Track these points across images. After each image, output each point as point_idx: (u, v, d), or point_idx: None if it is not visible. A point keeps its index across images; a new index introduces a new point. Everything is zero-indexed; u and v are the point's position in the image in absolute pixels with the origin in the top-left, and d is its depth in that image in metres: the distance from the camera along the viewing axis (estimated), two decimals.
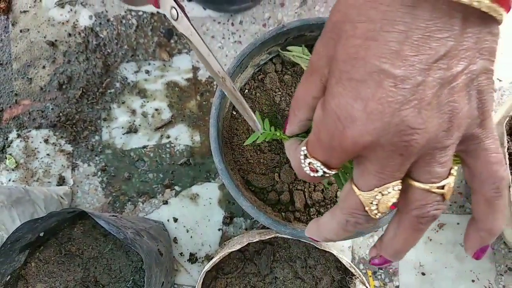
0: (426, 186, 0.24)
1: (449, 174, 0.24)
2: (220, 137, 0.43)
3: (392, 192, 0.24)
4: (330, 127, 0.24)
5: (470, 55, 0.22)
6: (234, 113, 0.48)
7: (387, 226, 0.28)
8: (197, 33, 0.34)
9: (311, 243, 0.50)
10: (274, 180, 0.46)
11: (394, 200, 0.24)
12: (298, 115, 0.30)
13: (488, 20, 0.22)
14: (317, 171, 0.26)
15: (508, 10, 0.23)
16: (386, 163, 0.23)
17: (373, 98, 0.22)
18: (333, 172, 0.26)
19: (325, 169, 0.26)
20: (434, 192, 0.24)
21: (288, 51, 0.45)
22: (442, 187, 0.24)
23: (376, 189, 0.24)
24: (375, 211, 0.25)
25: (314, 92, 0.27)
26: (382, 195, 0.24)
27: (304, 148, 0.27)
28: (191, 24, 0.34)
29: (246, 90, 0.48)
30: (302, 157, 0.27)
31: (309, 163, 0.26)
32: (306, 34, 0.45)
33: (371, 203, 0.25)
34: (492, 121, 0.25)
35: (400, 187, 0.24)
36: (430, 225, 0.26)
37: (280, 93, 0.47)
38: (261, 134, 0.38)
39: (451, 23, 0.21)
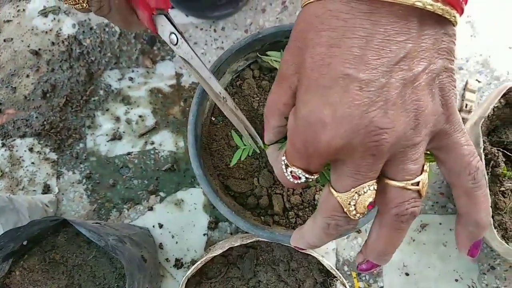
0: (402, 184, 0.25)
1: (423, 170, 0.25)
2: (198, 143, 0.44)
3: (368, 192, 0.25)
4: (303, 135, 0.24)
5: (429, 56, 0.23)
6: (213, 119, 0.48)
7: (369, 230, 0.29)
8: (197, 56, 0.35)
9: (291, 246, 0.50)
10: (253, 185, 0.47)
11: (371, 199, 0.25)
12: (271, 122, 0.31)
13: (443, 22, 0.23)
14: (299, 178, 0.27)
15: (461, 13, 0.24)
16: (360, 164, 0.24)
17: (341, 102, 0.23)
18: (315, 177, 0.27)
19: (307, 175, 0.27)
20: (409, 189, 0.25)
21: (267, 56, 0.46)
22: (417, 184, 0.25)
23: (352, 189, 0.25)
24: (354, 212, 0.26)
25: (284, 99, 0.28)
26: (359, 195, 0.25)
27: (284, 158, 0.27)
28: (191, 48, 0.35)
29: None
30: (283, 167, 0.28)
31: (291, 172, 0.27)
32: (282, 40, 0.45)
33: (349, 204, 0.25)
34: (458, 116, 0.25)
35: (375, 186, 0.25)
36: (411, 223, 0.26)
37: (258, 98, 0.48)
38: (243, 149, 0.38)
39: (408, 27, 0.22)
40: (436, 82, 0.24)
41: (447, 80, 0.24)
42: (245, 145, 0.39)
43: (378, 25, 0.22)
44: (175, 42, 0.35)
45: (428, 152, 0.27)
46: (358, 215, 0.26)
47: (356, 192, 0.25)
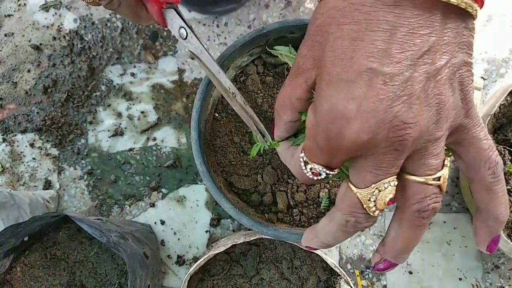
0: (423, 179, 0.25)
1: (443, 165, 0.25)
2: (201, 139, 0.43)
3: (389, 187, 0.25)
4: (325, 131, 0.24)
5: (450, 49, 0.23)
6: (216, 115, 0.48)
7: (388, 228, 0.28)
8: (207, 51, 0.34)
9: (296, 243, 0.50)
10: (257, 182, 0.46)
11: (391, 195, 0.25)
12: (283, 117, 0.31)
13: (465, 16, 0.23)
14: (319, 174, 0.27)
15: (481, 6, 0.24)
16: (382, 159, 0.24)
17: (365, 97, 0.22)
18: (336, 172, 0.27)
19: (328, 171, 0.26)
20: (431, 184, 0.25)
21: (275, 50, 0.45)
22: (438, 179, 0.25)
23: (373, 185, 0.25)
24: (373, 208, 0.25)
25: (298, 93, 0.28)
26: (379, 191, 0.25)
27: (302, 155, 0.27)
28: (201, 43, 0.34)
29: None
30: (302, 164, 0.27)
31: (311, 169, 0.27)
32: (287, 35, 0.45)
33: (369, 200, 0.25)
34: (476, 110, 0.25)
35: (396, 182, 0.25)
36: (431, 219, 0.26)
37: (262, 94, 0.47)
38: (268, 143, 0.38)
39: (432, 20, 0.22)
40: (457, 76, 0.24)
41: (466, 74, 0.24)
42: (267, 141, 0.39)
43: (402, 18, 0.22)
44: (184, 36, 0.34)
45: (446, 148, 0.27)
46: (377, 211, 0.26)
47: (376, 188, 0.25)
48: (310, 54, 0.26)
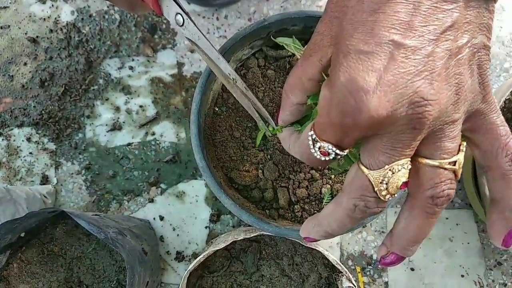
0: (437, 163, 0.24)
1: (459, 150, 0.24)
2: (201, 134, 0.42)
3: (402, 170, 0.23)
4: (341, 104, 0.22)
5: (472, 29, 0.22)
6: (217, 109, 0.47)
7: (396, 218, 0.27)
8: (205, 37, 0.33)
9: (297, 240, 0.49)
10: (258, 177, 0.46)
11: (404, 179, 0.24)
12: (291, 98, 0.29)
13: None
14: (328, 154, 0.25)
15: None
16: (398, 139, 0.23)
17: (385, 69, 0.21)
18: (345, 153, 0.25)
19: (337, 151, 0.25)
20: (446, 169, 0.24)
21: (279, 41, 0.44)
22: (454, 163, 0.24)
23: (386, 166, 0.23)
24: (385, 192, 0.24)
25: (311, 73, 0.27)
26: (392, 173, 0.23)
27: (312, 133, 0.25)
28: (198, 29, 0.33)
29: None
30: (310, 142, 0.26)
31: (320, 147, 0.25)
32: (289, 27, 0.44)
33: (381, 182, 0.24)
34: (493, 96, 0.24)
35: (410, 165, 0.24)
36: (444, 208, 0.25)
37: (263, 88, 0.46)
38: (271, 129, 0.37)
39: None
40: (476, 58, 0.23)
41: (485, 58, 0.23)
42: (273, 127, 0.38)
43: None
44: (181, 23, 0.33)
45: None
46: (388, 196, 0.24)
47: (390, 170, 0.23)
48: (328, 31, 0.25)
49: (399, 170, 0.23)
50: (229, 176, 0.46)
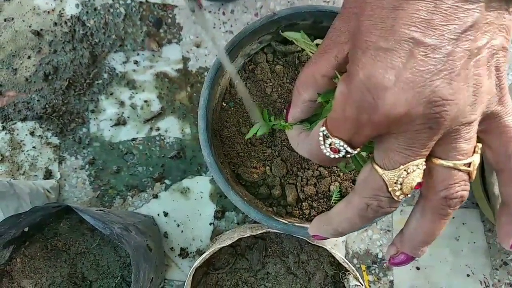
0: (452, 164, 0.24)
1: (474, 151, 0.24)
2: (209, 130, 0.42)
3: (417, 170, 0.23)
4: (358, 100, 0.22)
5: (491, 30, 0.22)
6: (224, 104, 0.46)
7: (408, 218, 0.27)
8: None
9: (305, 238, 0.49)
10: (266, 174, 0.45)
11: (419, 179, 0.24)
12: (303, 95, 0.29)
13: None
14: (338, 151, 0.25)
15: None
16: (414, 138, 0.22)
17: (404, 67, 0.21)
18: (356, 152, 0.25)
19: (348, 148, 0.24)
20: (460, 170, 0.24)
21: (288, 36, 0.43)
22: (469, 165, 0.24)
23: (401, 166, 0.23)
24: (399, 192, 0.24)
25: (324, 70, 0.27)
26: (407, 173, 0.23)
27: (323, 128, 0.25)
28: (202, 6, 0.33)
29: (236, 81, 0.46)
30: (321, 138, 0.25)
31: (330, 144, 0.25)
32: (298, 22, 0.43)
33: (395, 182, 0.24)
34: (509, 98, 0.24)
35: (424, 165, 0.24)
36: (456, 209, 0.25)
37: (271, 84, 0.45)
38: (261, 125, 0.37)
39: None
40: (494, 60, 0.23)
41: (503, 60, 0.23)
42: (264, 120, 0.37)
43: None
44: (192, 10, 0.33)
45: None
46: (402, 196, 0.24)
47: (404, 170, 0.23)
48: (345, 27, 0.25)
49: (414, 171, 0.23)
50: (236, 173, 0.45)
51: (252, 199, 0.44)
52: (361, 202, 0.25)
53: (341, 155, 0.25)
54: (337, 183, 0.44)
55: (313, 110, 0.31)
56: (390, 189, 0.24)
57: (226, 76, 0.45)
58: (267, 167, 0.45)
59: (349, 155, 0.25)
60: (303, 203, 0.44)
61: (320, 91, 0.28)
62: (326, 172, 0.45)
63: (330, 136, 0.25)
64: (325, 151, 0.26)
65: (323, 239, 0.31)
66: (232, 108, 0.46)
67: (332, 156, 0.26)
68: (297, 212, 0.44)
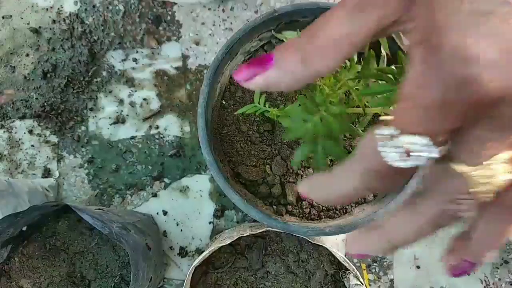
0: None
1: None
2: (208, 128, 0.41)
3: (505, 165, 0.20)
4: (449, 76, 0.17)
5: None
6: (224, 102, 0.46)
7: (474, 220, 0.22)
8: None
9: (304, 237, 0.48)
10: (266, 173, 0.45)
11: (509, 175, 0.20)
12: (315, 64, 0.21)
13: None
14: (416, 155, 0.18)
15: None
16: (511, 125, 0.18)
17: (506, 34, 0.17)
18: (440, 153, 0.19)
19: (433, 147, 0.18)
20: None
21: (282, 35, 0.43)
22: None
23: (489, 161, 0.19)
24: (484, 192, 0.20)
25: (357, 35, 0.20)
26: (493, 169, 0.20)
27: (387, 128, 0.19)
28: None
29: None
30: (382, 141, 0.19)
31: (399, 147, 0.18)
32: (299, 19, 0.43)
33: (481, 181, 0.20)
34: None
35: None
36: None
37: None
38: (254, 105, 0.37)
39: None
40: None
41: None
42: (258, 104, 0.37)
43: None
44: None
45: None
46: (487, 196, 0.20)
47: (492, 165, 0.19)
48: None
49: (502, 165, 0.19)
50: (236, 171, 0.45)
51: (252, 198, 0.44)
52: (433, 207, 0.21)
53: (417, 162, 0.19)
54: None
55: (300, 84, 0.22)
56: (473, 189, 0.20)
57: (226, 73, 0.45)
58: (267, 166, 0.45)
59: (428, 159, 0.19)
60: (304, 202, 0.44)
61: (339, 62, 0.21)
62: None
63: (403, 133, 0.18)
64: (391, 158, 0.19)
65: (366, 256, 0.25)
66: (232, 106, 0.46)
67: (403, 164, 0.19)
68: (297, 211, 0.44)
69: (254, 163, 0.45)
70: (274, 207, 0.44)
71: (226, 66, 0.43)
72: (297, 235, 0.49)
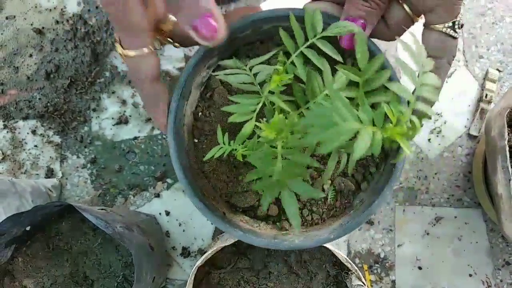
0: None
1: None
2: (190, 175, 0.39)
3: None
4: None
5: None
6: (196, 141, 0.43)
7: None
8: None
9: (311, 248, 0.48)
10: (258, 195, 0.44)
11: None
12: None
13: None
14: None
15: None
16: None
17: None
18: None
19: None
20: None
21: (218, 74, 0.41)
22: None
23: None
24: None
25: None
26: None
27: None
28: None
29: (200, 113, 0.43)
30: None
31: None
32: (238, 36, 0.39)
33: None
34: None
35: None
36: None
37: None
38: (220, 148, 0.36)
39: None
40: None
41: None
42: (225, 144, 0.37)
43: None
44: None
45: None
46: None
47: None
48: None
49: None
50: (231, 203, 0.44)
51: (253, 223, 0.43)
52: None
53: None
54: (329, 181, 0.44)
55: None
56: None
57: (188, 113, 0.42)
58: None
59: None
60: (303, 211, 0.44)
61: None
62: (316, 173, 0.44)
63: None
64: None
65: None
66: (205, 142, 0.43)
67: None
68: (300, 220, 0.43)
69: (245, 188, 0.44)
70: (277, 224, 0.43)
71: (185, 107, 0.40)
72: (306, 249, 0.49)
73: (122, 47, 0.31)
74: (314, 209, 0.43)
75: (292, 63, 0.37)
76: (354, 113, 0.26)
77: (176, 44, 0.36)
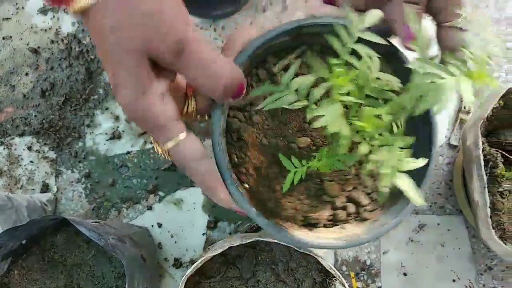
0: None
1: None
2: (265, 216, 0.35)
3: None
4: None
5: None
6: (247, 186, 0.38)
7: None
8: None
9: (293, 246, 0.50)
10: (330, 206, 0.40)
11: None
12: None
13: None
14: None
15: None
16: None
17: None
18: None
19: None
20: None
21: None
22: None
23: None
24: None
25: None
26: None
27: None
28: None
29: (236, 159, 0.38)
30: None
31: None
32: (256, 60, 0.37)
33: None
34: None
35: None
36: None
37: (262, 135, 0.38)
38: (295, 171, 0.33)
39: None
40: None
41: None
42: (295, 167, 0.34)
43: None
44: None
45: None
46: None
47: None
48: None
49: None
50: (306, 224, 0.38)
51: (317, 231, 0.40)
52: None
53: None
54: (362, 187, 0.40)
55: None
56: None
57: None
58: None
59: None
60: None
61: None
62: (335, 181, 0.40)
63: None
64: None
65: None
66: (253, 181, 0.38)
67: None
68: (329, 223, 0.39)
69: (315, 203, 0.38)
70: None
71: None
72: (287, 244, 0.51)
73: (158, 144, 0.31)
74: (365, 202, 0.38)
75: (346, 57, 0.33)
76: (449, 71, 0.29)
77: (203, 119, 0.36)
